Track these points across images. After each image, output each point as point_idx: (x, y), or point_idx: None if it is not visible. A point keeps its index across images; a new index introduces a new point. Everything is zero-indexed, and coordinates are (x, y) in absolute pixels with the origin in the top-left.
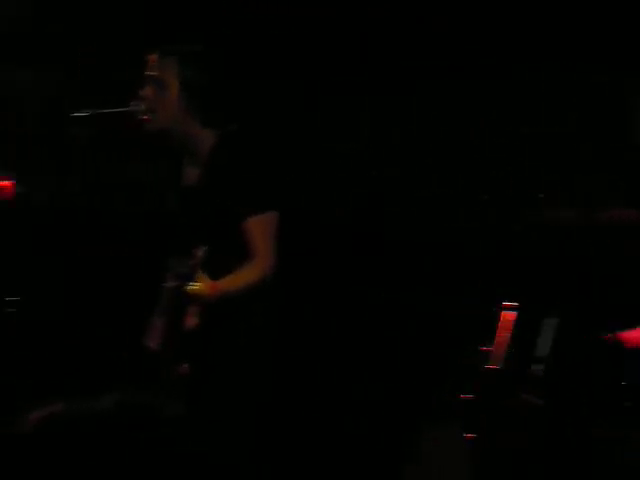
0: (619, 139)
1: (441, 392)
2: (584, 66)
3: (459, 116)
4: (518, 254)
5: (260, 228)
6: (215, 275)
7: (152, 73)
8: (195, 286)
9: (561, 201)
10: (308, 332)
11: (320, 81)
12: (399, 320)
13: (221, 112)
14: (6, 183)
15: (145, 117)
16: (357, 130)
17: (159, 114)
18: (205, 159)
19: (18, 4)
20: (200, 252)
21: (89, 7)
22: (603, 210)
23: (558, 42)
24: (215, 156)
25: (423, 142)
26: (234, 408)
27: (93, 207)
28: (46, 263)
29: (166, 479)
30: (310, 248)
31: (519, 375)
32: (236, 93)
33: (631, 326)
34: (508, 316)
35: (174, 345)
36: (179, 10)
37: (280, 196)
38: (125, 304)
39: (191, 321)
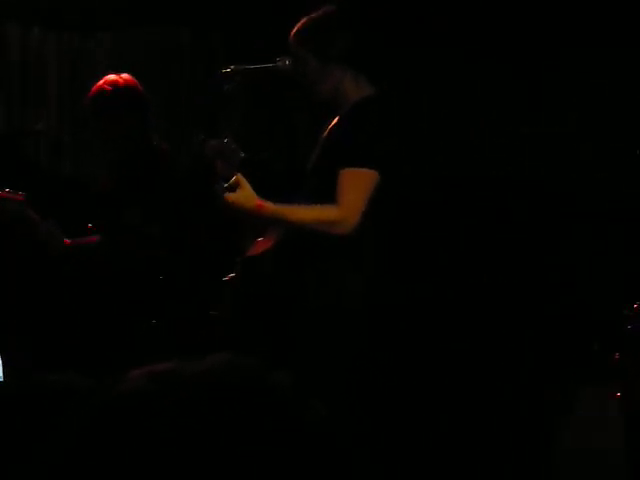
0: None
1: (591, 351)
2: None
3: None
4: None
5: (352, 181)
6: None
7: (300, 49)
8: (229, 187)
9: None
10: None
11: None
12: (552, 278)
13: (372, 73)
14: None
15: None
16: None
17: (319, 86)
18: (346, 110)
19: None
20: (230, 146)
21: None
22: None
23: None
24: (348, 112)
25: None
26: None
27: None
28: None
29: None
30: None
31: None
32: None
33: None
34: None
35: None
36: None
37: (386, 162)
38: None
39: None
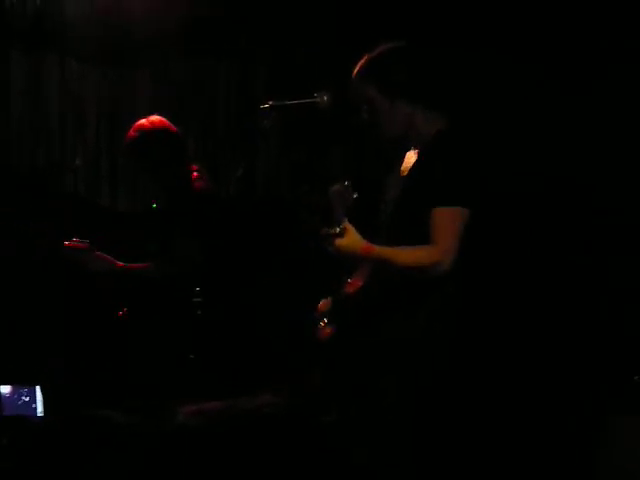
0: None
1: (627, 377)
2: None
3: None
4: None
5: (447, 220)
6: None
7: (358, 95)
8: (340, 232)
9: None
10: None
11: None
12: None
13: (438, 97)
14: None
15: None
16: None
17: (390, 125)
18: (425, 145)
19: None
20: (349, 190)
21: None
22: None
23: None
24: (429, 148)
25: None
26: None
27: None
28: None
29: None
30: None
31: None
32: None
33: None
34: None
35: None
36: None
37: (477, 196)
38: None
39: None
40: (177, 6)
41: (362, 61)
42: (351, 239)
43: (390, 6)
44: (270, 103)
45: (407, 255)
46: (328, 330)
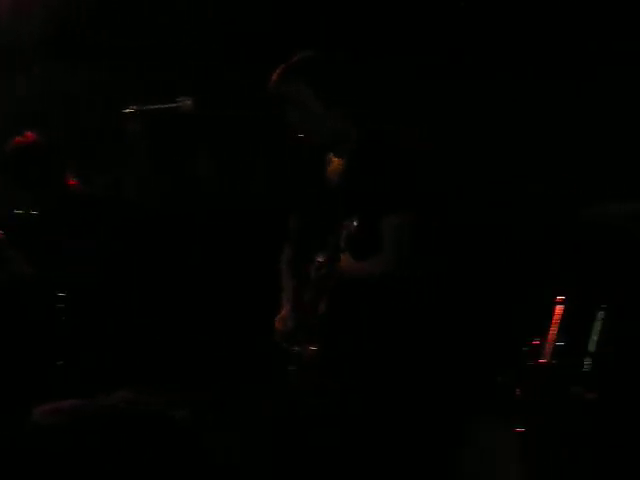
0: None
1: (493, 387)
2: None
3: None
4: (569, 245)
5: (391, 227)
6: None
7: (287, 95)
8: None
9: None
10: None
11: None
12: (453, 313)
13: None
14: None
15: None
16: None
17: (315, 132)
18: (350, 151)
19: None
20: (351, 226)
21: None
22: None
23: None
24: (361, 150)
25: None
26: None
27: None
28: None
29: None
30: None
31: (570, 369)
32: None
33: None
34: (559, 310)
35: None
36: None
37: (415, 200)
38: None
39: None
40: (41, 8)
41: (296, 63)
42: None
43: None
44: (134, 108)
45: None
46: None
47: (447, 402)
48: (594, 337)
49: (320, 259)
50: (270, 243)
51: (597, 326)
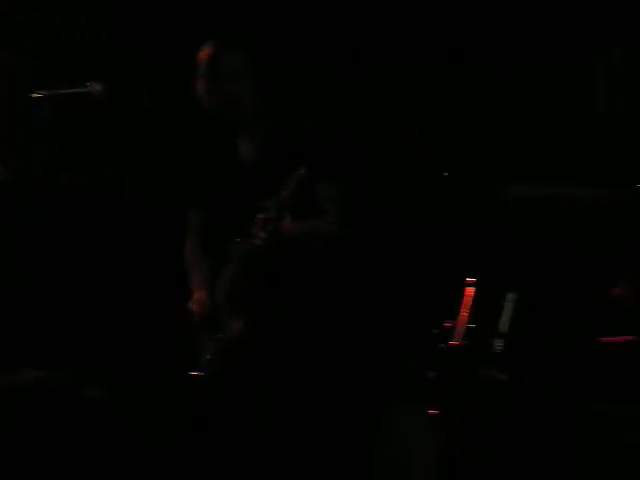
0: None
1: (405, 369)
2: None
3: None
4: (478, 229)
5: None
6: None
7: (221, 66)
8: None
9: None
10: None
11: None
12: (363, 298)
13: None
14: None
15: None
16: None
17: (237, 107)
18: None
19: None
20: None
21: None
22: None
23: None
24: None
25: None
26: None
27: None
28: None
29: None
30: None
31: (481, 351)
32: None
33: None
34: (470, 292)
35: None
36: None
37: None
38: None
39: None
40: None
41: (236, 35)
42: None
43: None
44: (41, 93)
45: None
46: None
47: (360, 385)
48: (505, 319)
49: (263, 217)
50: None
51: (508, 308)
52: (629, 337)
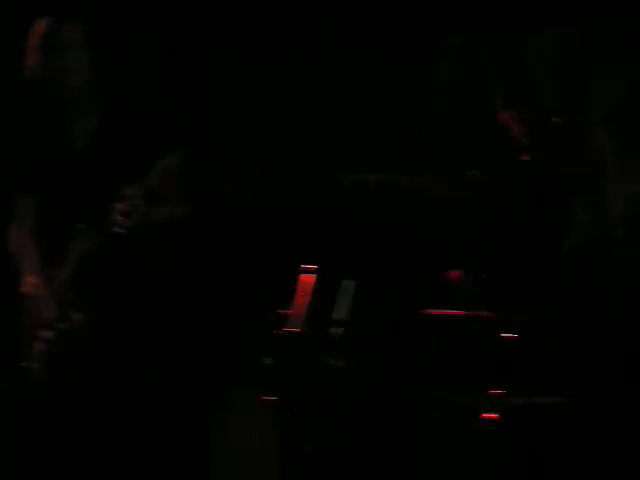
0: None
1: (242, 356)
2: None
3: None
4: (316, 216)
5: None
6: None
7: (57, 39)
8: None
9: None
10: None
11: None
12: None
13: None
14: None
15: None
16: None
17: (73, 77)
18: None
19: None
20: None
21: None
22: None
23: None
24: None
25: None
26: None
27: None
28: None
29: None
30: None
31: (319, 338)
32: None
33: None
34: (307, 279)
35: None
36: None
37: None
38: None
39: None
40: None
41: (75, 6)
42: None
43: None
44: None
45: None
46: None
47: (198, 371)
48: (343, 306)
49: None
50: None
51: (347, 294)
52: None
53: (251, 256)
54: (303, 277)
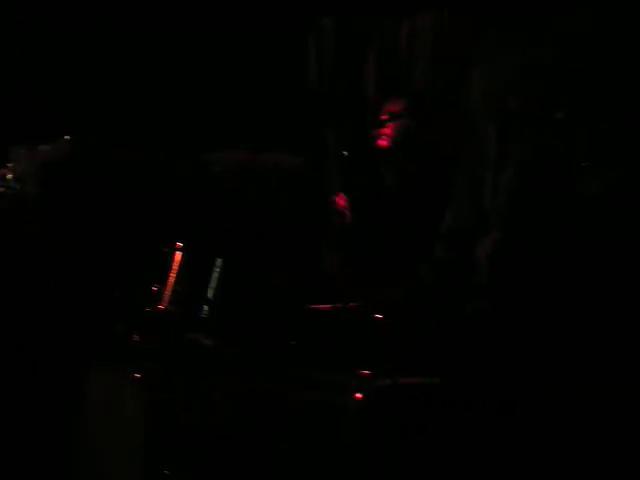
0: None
1: (110, 332)
2: None
3: None
4: (185, 194)
5: None
6: None
7: None
8: None
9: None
10: None
11: None
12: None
13: None
14: None
15: None
16: None
17: None
18: None
19: None
20: None
21: None
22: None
23: None
24: None
25: None
26: None
27: None
28: None
29: None
30: None
31: (187, 316)
32: None
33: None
34: (178, 257)
35: None
36: None
37: None
38: None
39: None
40: None
41: None
42: None
43: None
44: None
45: None
46: None
47: (65, 347)
48: (213, 284)
49: None
50: None
51: (215, 274)
52: (336, 305)
53: (117, 235)
54: (176, 254)
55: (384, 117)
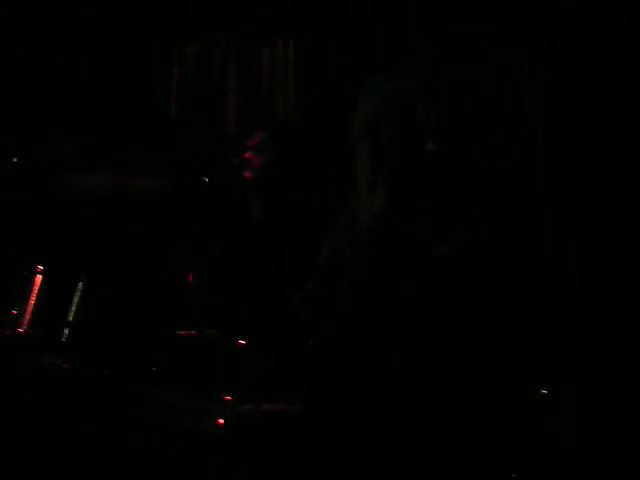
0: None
1: None
2: None
3: None
4: (47, 216)
5: None
6: None
7: None
8: None
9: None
10: None
11: None
12: None
13: None
14: None
15: None
16: None
17: None
18: None
19: None
20: None
21: None
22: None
23: None
24: None
25: None
26: None
27: None
28: None
29: None
30: None
31: (45, 339)
32: None
33: None
34: (39, 279)
35: None
36: None
37: None
38: None
39: None
40: None
41: None
42: None
43: None
44: None
45: None
46: None
47: None
48: (73, 307)
49: None
50: None
51: (76, 296)
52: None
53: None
54: (37, 277)
55: (248, 148)
